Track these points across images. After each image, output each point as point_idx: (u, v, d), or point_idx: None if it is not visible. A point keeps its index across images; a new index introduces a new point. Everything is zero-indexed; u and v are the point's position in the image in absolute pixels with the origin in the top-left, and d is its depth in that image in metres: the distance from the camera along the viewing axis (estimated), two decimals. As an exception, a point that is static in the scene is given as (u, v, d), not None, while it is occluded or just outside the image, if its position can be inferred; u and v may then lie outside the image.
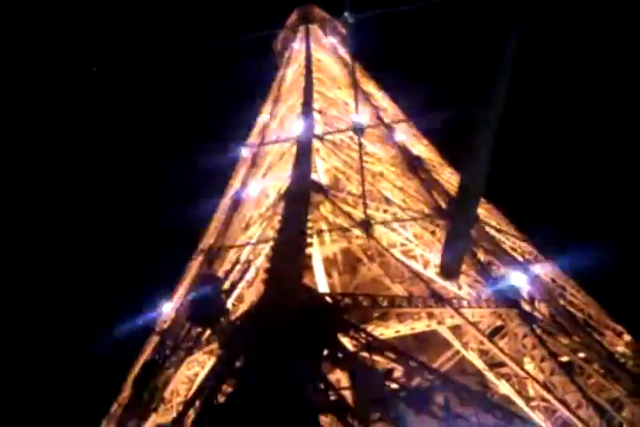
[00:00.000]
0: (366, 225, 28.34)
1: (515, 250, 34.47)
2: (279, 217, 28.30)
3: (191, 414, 19.95)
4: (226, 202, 40.57)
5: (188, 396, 22.31)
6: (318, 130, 37.40)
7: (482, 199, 38.58)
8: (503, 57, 17.90)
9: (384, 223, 29.39)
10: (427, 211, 32.72)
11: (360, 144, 30.39)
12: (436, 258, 28.02)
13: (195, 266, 35.69)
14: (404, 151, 40.24)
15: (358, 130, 30.12)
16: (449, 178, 41.75)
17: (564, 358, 25.43)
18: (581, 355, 26.56)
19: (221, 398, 19.65)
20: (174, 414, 22.35)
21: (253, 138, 47.87)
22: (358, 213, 29.60)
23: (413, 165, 37.98)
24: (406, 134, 45.12)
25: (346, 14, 25.23)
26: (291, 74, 60.80)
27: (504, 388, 24.58)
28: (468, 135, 18.60)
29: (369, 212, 29.89)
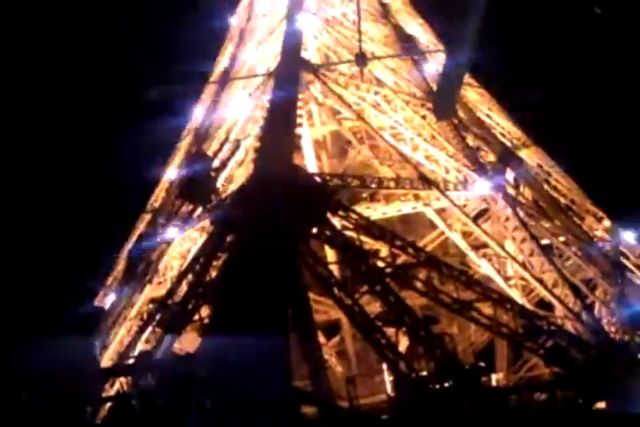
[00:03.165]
0: (362, 59, 28.74)
1: (504, 135, 34.37)
2: (268, 96, 27.77)
3: (184, 286, 20.75)
4: (213, 80, 39.46)
5: (181, 270, 23.00)
6: (311, 6, 35.70)
7: (475, 84, 37.85)
8: None
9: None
10: (419, 94, 32.18)
11: None
12: (425, 143, 28.02)
13: (183, 146, 35.46)
14: (397, 30, 38.75)
15: None
16: (442, 59, 40.54)
17: (545, 241, 26.24)
18: (561, 238, 27.43)
19: (213, 273, 20.42)
20: (168, 286, 23.18)
21: (242, 9, 45.53)
22: (349, 95, 29.09)
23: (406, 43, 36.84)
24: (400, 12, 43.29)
25: None
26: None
27: (485, 267, 25.62)
28: None
29: (360, 94, 29.44)
